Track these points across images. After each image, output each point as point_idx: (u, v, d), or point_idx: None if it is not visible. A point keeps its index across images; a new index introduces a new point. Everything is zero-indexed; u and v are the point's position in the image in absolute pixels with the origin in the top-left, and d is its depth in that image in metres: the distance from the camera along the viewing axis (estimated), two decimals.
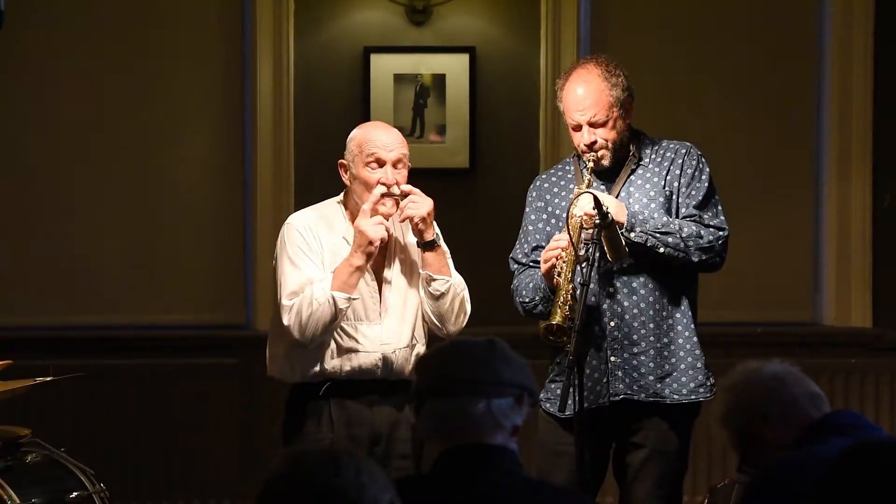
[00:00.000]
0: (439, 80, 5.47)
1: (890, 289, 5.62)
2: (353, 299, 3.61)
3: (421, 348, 3.73)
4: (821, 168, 5.63)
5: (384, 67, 5.45)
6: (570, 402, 3.49)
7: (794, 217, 5.65)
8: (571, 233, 3.52)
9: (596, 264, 3.57)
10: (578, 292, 3.52)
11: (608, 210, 3.54)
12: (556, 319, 3.51)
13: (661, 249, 3.62)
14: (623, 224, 3.57)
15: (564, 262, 3.56)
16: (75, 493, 3.77)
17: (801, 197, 5.65)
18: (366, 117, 5.25)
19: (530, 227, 3.85)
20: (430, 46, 5.48)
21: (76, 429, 5.16)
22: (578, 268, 3.53)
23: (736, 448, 2.80)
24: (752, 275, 5.61)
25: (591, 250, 3.52)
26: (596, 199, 3.51)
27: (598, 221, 3.50)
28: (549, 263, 3.59)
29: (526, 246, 3.84)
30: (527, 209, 3.89)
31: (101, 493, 3.83)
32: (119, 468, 5.13)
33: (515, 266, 3.85)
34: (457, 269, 3.83)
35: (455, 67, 5.47)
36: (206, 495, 5.38)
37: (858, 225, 5.58)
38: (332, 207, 3.78)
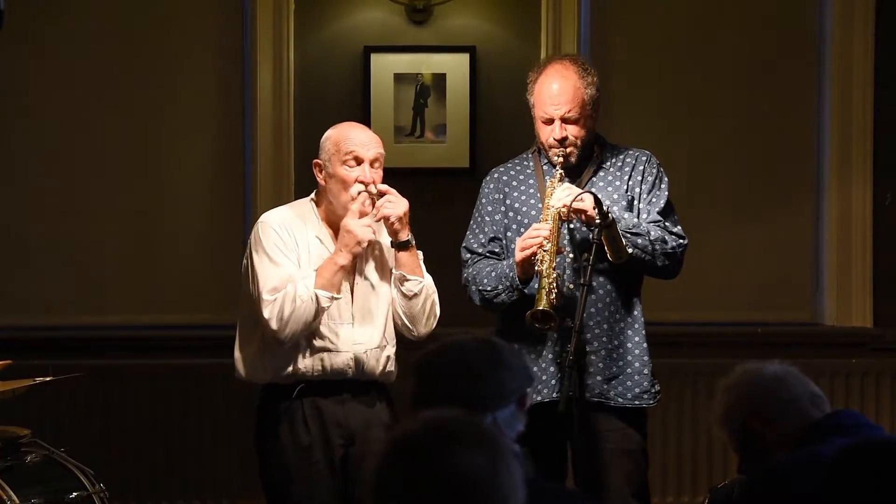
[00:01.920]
0: (439, 79, 5.47)
1: (890, 289, 5.61)
2: (337, 298, 3.60)
3: (391, 350, 3.73)
4: (821, 168, 5.62)
5: (384, 67, 5.45)
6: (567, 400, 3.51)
7: (794, 217, 5.65)
8: (553, 222, 3.58)
9: (571, 261, 3.62)
10: (578, 292, 3.54)
11: (609, 210, 3.56)
12: (542, 305, 3.55)
13: (630, 250, 3.65)
14: (595, 218, 3.60)
15: (545, 251, 3.59)
16: (75, 493, 3.77)
17: (802, 197, 5.65)
18: (366, 117, 5.25)
19: (487, 219, 3.89)
20: (431, 46, 5.48)
21: (76, 429, 5.16)
22: (573, 261, 3.57)
23: (735, 448, 2.80)
24: (752, 275, 5.61)
25: (591, 250, 3.54)
26: (597, 199, 3.54)
27: (598, 221, 3.53)
28: (530, 251, 3.61)
29: (482, 236, 3.88)
30: (482, 200, 3.94)
31: (100, 493, 3.83)
32: (119, 468, 5.13)
33: (469, 255, 3.89)
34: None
35: (455, 67, 5.47)
36: (206, 495, 5.38)
37: (859, 225, 5.57)
38: (304, 206, 3.79)
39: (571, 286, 3.71)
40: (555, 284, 3.59)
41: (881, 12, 5.55)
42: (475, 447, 1.88)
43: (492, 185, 3.93)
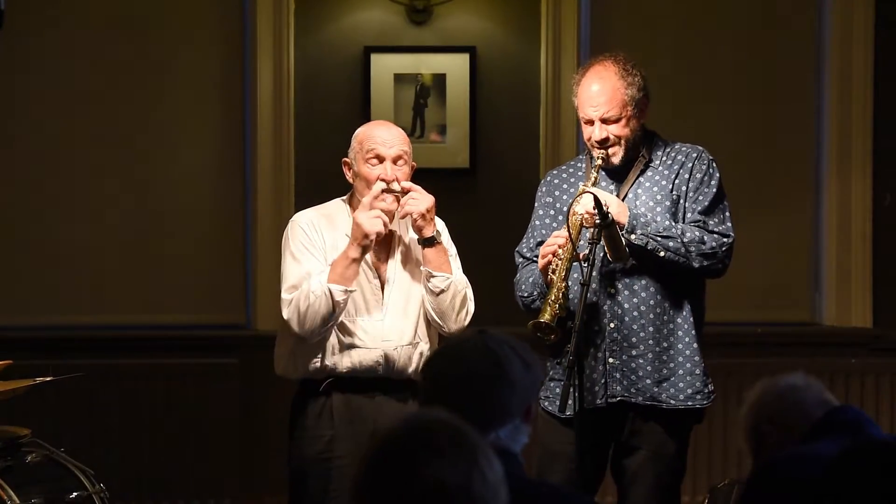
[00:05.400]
0: (439, 79, 5.47)
1: (890, 289, 5.62)
2: (351, 291, 3.61)
3: (424, 346, 3.72)
4: (821, 167, 5.63)
5: (384, 67, 5.45)
6: (569, 402, 3.49)
7: (794, 217, 5.65)
8: (571, 230, 3.52)
9: (597, 264, 3.58)
10: (579, 291, 3.52)
11: (608, 210, 3.54)
12: (545, 318, 3.50)
13: (662, 253, 3.61)
14: (624, 225, 3.57)
15: (560, 259, 3.55)
16: (75, 493, 3.76)
17: (802, 197, 5.65)
18: (366, 117, 5.25)
19: (537, 223, 3.85)
20: (431, 46, 5.48)
21: (76, 429, 5.16)
22: (578, 265, 3.53)
23: (750, 452, 2.81)
24: (752, 275, 5.61)
25: (593, 250, 3.52)
26: (596, 199, 3.51)
27: (598, 221, 3.50)
28: (546, 259, 3.60)
29: (532, 241, 3.84)
30: (536, 204, 3.89)
31: (100, 493, 3.82)
32: (119, 468, 5.13)
33: (520, 260, 3.86)
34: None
35: (455, 67, 5.47)
36: (206, 495, 5.38)
37: (858, 225, 5.58)
38: (336, 206, 3.81)
39: (613, 290, 3.66)
40: (561, 295, 3.52)
41: (881, 12, 5.55)
42: (450, 456, 1.86)
43: (544, 189, 3.89)
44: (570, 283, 3.57)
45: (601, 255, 3.56)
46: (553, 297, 3.52)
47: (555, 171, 3.93)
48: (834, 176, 5.59)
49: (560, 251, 3.56)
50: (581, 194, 3.59)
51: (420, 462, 1.85)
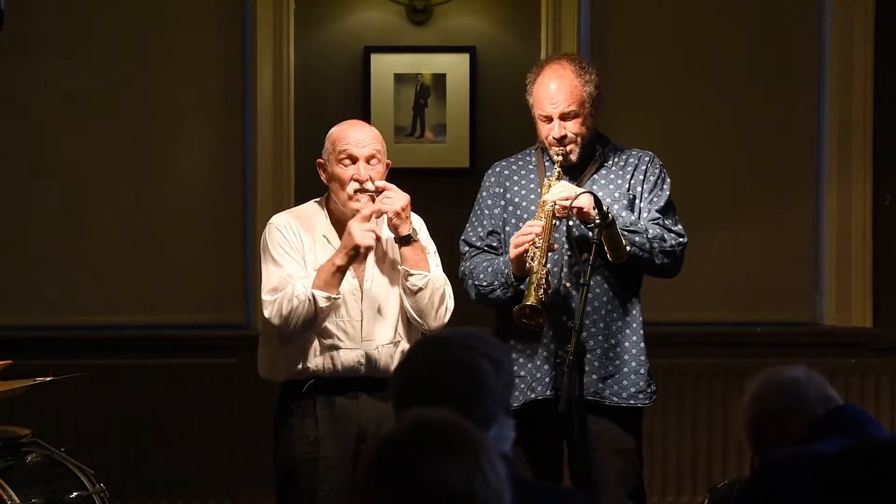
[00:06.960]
0: (439, 79, 5.47)
1: (890, 289, 5.61)
2: (335, 299, 3.62)
3: (405, 345, 3.74)
4: (821, 168, 5.63)
5: (384, 67, 5.45)
6: (568, 399, 3.52)
7: (794, 217, 5.65)
8: (546, 219, 3.60)
9: (566, 259, 3.63)
10: (579, 292, 3.55)
11: (608, 210, 3.57)
12: (531, 301, 3.55)
13: (628, 248, 3.66)
14: (594, 217, 3.59)
15: (537, 247, 3.61)
16: (75, 493, 3.77)
17: (802, 197, 5.65)
18: (366, 117, 5.25)
19: (486, 212, 3.90)
20: (431, 46, 5.48)
21: (76, 429, 5.16)
22: (570, 259, 3.57)
23: (749, 445, 2.82)
24: (752, 275, 5.61)
25: (593, 250, 3.55)
26: (597, 199, 3.55)
27: (598, 221, 3.54)
28: (522, 248, 3.63)
29: (480, 230, 3.89)
30: (483, 193, 3.95)
31: (101, 493, 3.83)
32: (119, 468, 5.13)
33: (467, 248, 3.90)
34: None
35: (455, 67, 5.47)
36: (206, 495, 5.38)
37: (859, 225, 5.58)
38: (311, 208, 3.83)
39: (568, 284, 3.72)
40: (544, 280, 3.60)
41: (880, 13, 5.55)
42: (452, 458, 1.86)
43: (493, 179, 3.95)
44: (549, 269, 3.64)
45: (592, 255, 3.57)
46: (536, 283, 3.57)
47: (504, 163, 3.99)
48: (834, 176, 5.59)
49: (537, 240, 3.61)
50: (549, 186, 3.67)
51: (422, 464, 1.85)
